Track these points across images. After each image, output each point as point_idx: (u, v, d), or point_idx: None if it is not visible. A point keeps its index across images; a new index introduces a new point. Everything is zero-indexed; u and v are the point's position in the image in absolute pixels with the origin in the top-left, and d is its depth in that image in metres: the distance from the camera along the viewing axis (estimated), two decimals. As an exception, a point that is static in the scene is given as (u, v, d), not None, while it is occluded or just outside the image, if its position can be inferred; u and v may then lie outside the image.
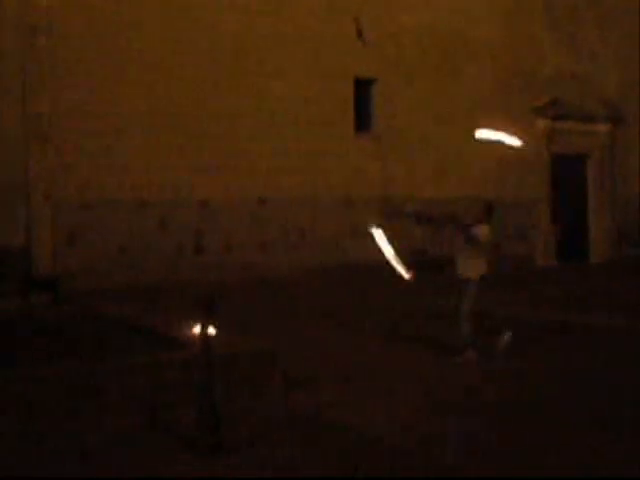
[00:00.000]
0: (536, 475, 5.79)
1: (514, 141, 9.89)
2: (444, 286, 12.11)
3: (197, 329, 6.47)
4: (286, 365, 8.76)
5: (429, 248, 19.09)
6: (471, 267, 10.04)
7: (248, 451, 6.28)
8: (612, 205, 23.36)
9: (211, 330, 6.47)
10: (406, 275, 9.42)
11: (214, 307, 6.48)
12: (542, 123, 21.88)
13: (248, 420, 7.11)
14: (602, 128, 23.29)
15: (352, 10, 18.70)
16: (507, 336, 9.89)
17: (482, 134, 9.85)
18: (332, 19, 18.55)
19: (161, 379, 7.96)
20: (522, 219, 21.46)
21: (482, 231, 10.04)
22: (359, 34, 18.85)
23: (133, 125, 16.25)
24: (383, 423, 7.16)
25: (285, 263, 17.53)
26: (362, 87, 19.28)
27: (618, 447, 6.33)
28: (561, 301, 15.02)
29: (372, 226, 9.37)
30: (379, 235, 9.39)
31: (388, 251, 9.36)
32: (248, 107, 17.48)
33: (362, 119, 19.32)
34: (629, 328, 11.81)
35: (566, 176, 22.53)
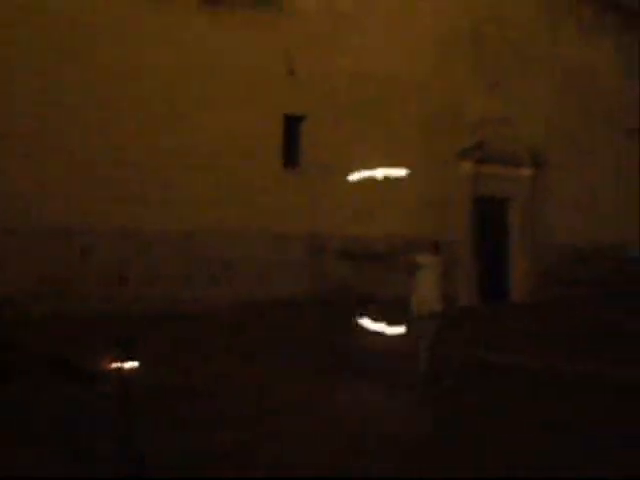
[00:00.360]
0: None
1: (397, 172, 10.13)
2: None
3: (116, 363, 6.41)
4: (208, 400, 8.72)
5: (352, 284, 19.24)
6: (421, 304, 10.25)
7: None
8: (533, 247, 23.91)
9: (131, 364, 6.42)
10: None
11: (133, 341, 6.44)
12: (467, 166, 22.34)
13: (170, 455, 7.03)
14: (525, 172, 23.89)
15: (284, 46, 18.92)
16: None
17: (354, 176, 10.17)
18: (264, 54, 18.71)
19: (81, 411, 7.84)
20: (445, 259, 21.75)
21: (424, 259, 10.33)
22: (290, 71, 19.07)
23: (59, 152, 16.06)
24: (301, 461, 7.17)
25: (210, 297, 17.44)
26: (292, 123, 19.44)
27: None
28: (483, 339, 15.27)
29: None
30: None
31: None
32: (177, 138, 17.45)
33: (291, 155, 19.47)
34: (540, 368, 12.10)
35: (489, 218, 23.00)
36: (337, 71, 19.92)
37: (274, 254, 18.61)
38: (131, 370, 6.38)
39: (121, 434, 6.16)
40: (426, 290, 10.35)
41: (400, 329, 9.97)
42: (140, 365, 7.95)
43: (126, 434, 6.14)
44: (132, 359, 6.44)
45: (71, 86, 16.24)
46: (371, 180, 19.81)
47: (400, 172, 10.02)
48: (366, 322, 10.14)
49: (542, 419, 8.93)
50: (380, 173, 9.91)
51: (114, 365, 6.50)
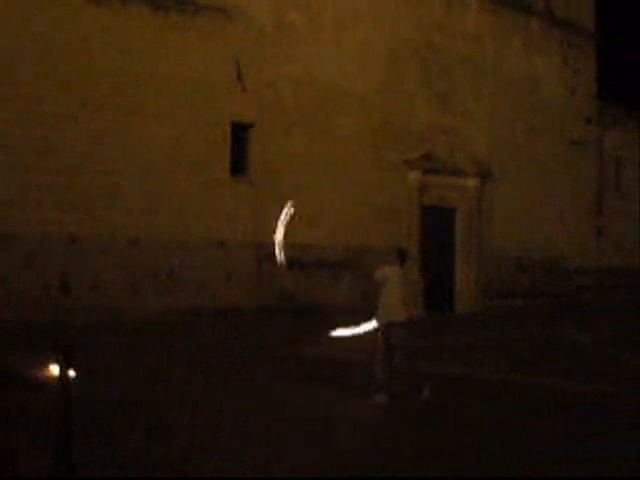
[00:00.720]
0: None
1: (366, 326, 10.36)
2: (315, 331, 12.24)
3: (55, 372, 6.29)
4: (148, 412, 8.61)
5: (299, 293, 19.24)
6: (381, 313, 10.29)
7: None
8: (478, 257, 24.16)
9: (70, 373, 6.31)
10: (280, 260, 9.68)
11: (73, 350, 6.33)
12: (413, 176, 22.50)
13: (108, 469, 6.91)
14: (471, 183, 24.15)
15: (232, 54, 18.88)
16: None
17: (337, 333, 10.39)
18: (212, 62, 18.64)
19: (16, 423, 7.68)
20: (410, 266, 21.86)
21: (380, 272, 10.37)
22: (239, 78, 19.03)
23: (1, 157, 15.78)
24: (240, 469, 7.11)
25: (155, 306, 17.27)
26: (239, 131, 19.38)
27: None
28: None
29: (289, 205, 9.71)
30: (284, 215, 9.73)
31: (279, 236, 9.64)
32: (123, 146, 17.27)
33: (238, 163, 19.39)
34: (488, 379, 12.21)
35: (435, 227, 23.18)
36: (285, 80, 19.94)
37: (220, 262, 18.51)
38: (70, 380, 6.25)
39: (56, 446, 6.03)
40: (394, 299, 10.37)
41: (371, 324, 10.05)
42: (79, 375, 7.84)
43: (61, 446, 6.01)
44: (71, 368, 6.32)
45: (18, 95, 15.99)
46: (318, 190, 19.95)
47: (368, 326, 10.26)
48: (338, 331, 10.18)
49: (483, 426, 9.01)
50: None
51: (52, 374, 6.37)
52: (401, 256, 10.61)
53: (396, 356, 10.23)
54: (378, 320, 10.38)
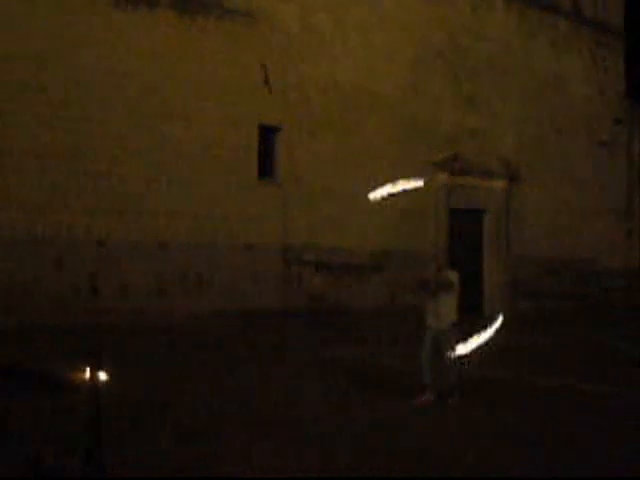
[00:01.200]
0: None
1: (415, 183, 10.09)
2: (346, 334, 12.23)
3: (86, 375, 6.28)
4: (178, 415, 8.59)
5: (327, 295, 19.19)
6: (441, 319, 10.38)
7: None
8: (506, 259, 24.00)
9: (101, 376, 6.29)
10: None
11: (103, 353, 6.31)
12: (441, 177, 22.39)
13: (138, 471, 6.89)
14: (499, 184, 24.01)
15: (258, 57, 18.88)
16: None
17: (376, 194, 10.14)
18: (239, 65, 18.65)
19: (47, 425, 7.68)
20: (420, 271, 21.75)
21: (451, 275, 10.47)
22: (266, 81, 19.03)
23: (31, 161, 15.84)
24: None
25: (182, 309, 17.28)
26: (266, 134, 19.37)
27: None
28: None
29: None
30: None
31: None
32: (150, 150, 17.30)
33: (265, 166, 19.38)
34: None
35: (463, 229, 23.06)
36: (312, 82, 19.91)
37: (248, 266, 18.49)
38: (100, 382, 6.24)
39: (87, 447, 6.02)
40: (446, 304, 10.47)
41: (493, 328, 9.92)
42: (109, 378, 7.84)
43: (92, 447, 6.00)
44: (102, 371, 6.30)
45: (48, 98, 16.08)
46: (346, 192, 19.89)
47: (418, 183, 10.03)
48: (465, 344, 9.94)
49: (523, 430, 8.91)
50: (399, 187, 9.87)
51: (83, 377, 6.36)
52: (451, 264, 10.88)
53: (447, 359, 10.29)
54: (434, 324, 10.44)
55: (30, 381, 9.29)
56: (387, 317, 18.87)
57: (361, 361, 13.82)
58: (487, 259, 23.87)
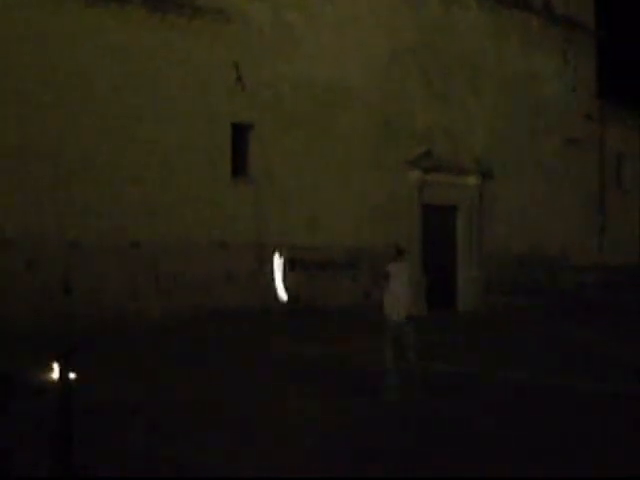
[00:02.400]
0: None
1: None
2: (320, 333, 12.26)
3: (56, 376, 6.27)
4: (149, 414, 8.58)
5: (302, 293, 19.20)
6: (392, 309, 10.37)
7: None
8: (479, 255, 24.15)
9: (71, 376, 6.28)
10: (283, 298, 9.78)
11: (76, 354, 6.30)
12: (414, 175, 22.49)
13: (106, 470, 6.89)
14: (472, 181, 24.15)
15: (231, 55, 18.86)
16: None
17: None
18: (211, 63, 18.62)
19: (16, 426, 7.62)
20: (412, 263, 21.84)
21: (393, 267, 10.44)
22: (238, 79, 19.01)
23: (1, 160, 15.76)
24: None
25: (156, 308, 17.24)
26: (240, 132, 19.36)
27: None
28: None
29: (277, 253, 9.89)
30: (277, 261, 9.92)
31: (278, 275, 9.81)
32: (122, 149, 17.25)
33: (239, 164, 19.37)
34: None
35: (436, 226, 23.17)
36: (285, 80, 19.93)
37: (222, 264, 18.48)
38: (70, 382, 6.23)
39: (56, 447, 6.01)
40: (396, 296, 10.43)
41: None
42: (80, 377, 7.82)
43: (61, 447, 5.99)
44: (72, 371, 6.29)
45: (20, 98, 15.97)
46: (319, 190, 19.94)
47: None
48: None
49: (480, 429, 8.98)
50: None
51: (53, 377, 6.34)
52: (400, 254, 10.75)
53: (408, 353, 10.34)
54: (388, 316, 10.48)
55: None
56: (362, 314, 18.91)
57: (335, 359, 13.85)
58: (460, 255, 24.00)
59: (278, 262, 10.54)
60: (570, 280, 26.88)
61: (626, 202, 30.05)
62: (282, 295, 10.09)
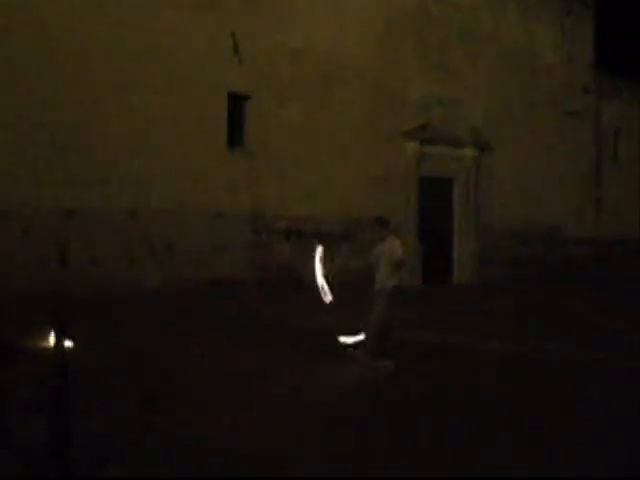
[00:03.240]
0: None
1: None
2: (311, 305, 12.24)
3: (52, 343, 6.29)
4: (144, 382, 8.62)
5: (297, 264, 19.23)
6: (384, 280, 10.43)
7: (99, 471, 6.11)
8: (476, 227, 24.18)
9: (66, 343, 6.30)
10: (327, 298, 9.88)
11: (71, 321, 6.31)
12: (411, 146, 22.45)
13: (102, 439, 6.92)
14: (468, 153, 24.11)
15: (227, 25, 18.74)
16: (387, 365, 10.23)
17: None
18: (208, 32, 18.50)
19: (12, 394, 7.68)
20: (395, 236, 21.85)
21: (396, 245, 10.46)
22: (235, 49, 18.89)
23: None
24: (243, 434, 7.12)
25: (152, 277, 17.26)
26: (236, 103, 19.28)
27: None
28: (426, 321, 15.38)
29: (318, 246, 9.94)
30: (318, 254, 9.96)
31: (319, 271, 9.87)
32: (117, 118, 17.16)
33: (235, 135, 19.32)
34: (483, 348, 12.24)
35: (433, 198, 23.17)
36: (282, 50, 19.81)
37: (218, 234, 18.48)
38: (66, 350, 6.25)
39: (51, 414, 6.04)
40: (380, 268, 10.51)
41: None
42: (76, 345, 7.84)
43: (57, 413, 6.01)
44: (68, 338, 6.31)
45: (13, 66, 15.87)
46: (316, 160, 19.90)
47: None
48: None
49: (480, 397, 9.03)
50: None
51: (49, 344, 6.37)
52: (380, 225, 10.78)
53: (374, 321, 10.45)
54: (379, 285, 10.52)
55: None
56: (360, 285, 18.93)
57: (330, 330, 13.88)
58: (456, 227, 24.03)
59: (319, 254, 10.51)
60: (566, 252, 26.95)
61: (622, 175, 30.04)
62: (327, 295, 10.18)
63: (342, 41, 21.06)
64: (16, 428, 6.99)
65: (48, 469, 5.96)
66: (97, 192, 16.85)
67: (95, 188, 16.82)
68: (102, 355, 10.04)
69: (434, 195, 23.22)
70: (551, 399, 8.98)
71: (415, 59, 22.90)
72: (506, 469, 6.41)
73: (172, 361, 10.52)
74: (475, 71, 24.50)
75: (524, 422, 7.91)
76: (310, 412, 8.16)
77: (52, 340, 6.33)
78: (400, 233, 21.64)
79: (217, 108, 18.83)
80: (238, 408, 8.20)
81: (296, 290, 18.32)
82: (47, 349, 6.39)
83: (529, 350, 12.11)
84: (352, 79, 21.23)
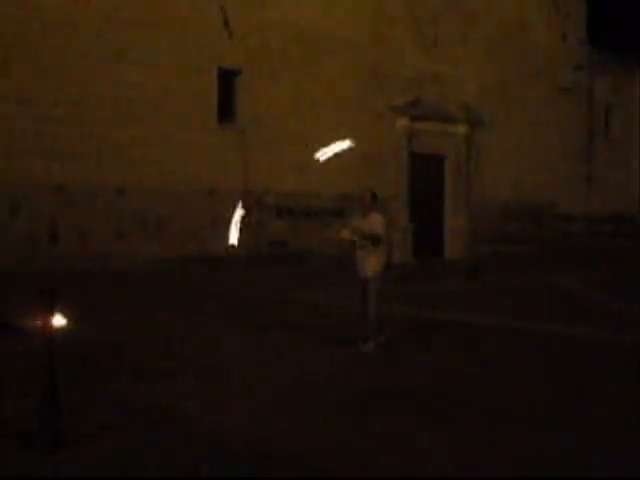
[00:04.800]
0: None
1: (346, 144, 10.09)
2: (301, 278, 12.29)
3: (42, 319, 6.27)
4: (133, 356, 8.62)
5: (288, 240, 19.24)
6: (370, 265, 10.14)
7: (89, 445, 6.12)
8: (467, 204, 24.18)
9: (58, 320, 6.29)
10: (232, 241, 9.50)
11: (58, 296, 6.29)
12: (402, 122, 22.37)
13: (91, 411, 6.93)
14: (460, 129, 24.04)
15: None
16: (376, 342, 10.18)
17: (322, 155, 10.06)
18: (197, 7, 18.35)
19: (1, 369, 7.68)
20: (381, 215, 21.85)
21: (377, 221, 10.23)
22: (225, 24, 18.75)
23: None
24: (238, 414, 7.13)
25: (143, 254, 17.23)
26: (226, 78, 19.17)
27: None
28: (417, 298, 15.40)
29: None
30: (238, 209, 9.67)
31: (236, 219, 9.46)
32: (108, 94, 17.05)
33: (226, 110, 19.22)
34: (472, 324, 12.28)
35: (424, 175, 23.15)
36: (272, 25, 19.68)
37: (209, 210, 18.42)
38: (56, 326, 6.24)
39: (42, 389, 6.04)
40: (364, 251, 10.26)
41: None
42: (67, 321, 7.83)
43: (47, 388, 6.02)
44: (58, 315, 6.30)
45: (3, 41, 15.73)
46: (307, 136, 19.81)
47: (347, 144, 9.96)
48: None
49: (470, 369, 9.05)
50: (337, 147, 9.88)
51: (39, 321, 6.35)
52: (373, 199, 10.55)
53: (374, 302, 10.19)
54: (362, 272, 10.30)
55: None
56: (349, 262, 18.94)
57: (323, 306, 13.91)
58: (448, 204, 24.02)
59: (239, 210, 10.25)
60: (557, 229, 27.01)
61: (614, 152, 30.06)
62: (233, 239, 9.88)
63: (333, 16, 20.91)
64: (6, 400, 7.01)
65: (38, 438, 5.99)
66: (87, 167, 16.77)
67: (85, 162, 16.74)
68: (92, 330, 10.02)
69: (425, 171, 23.18)
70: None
71: (407, 34, 22.76)
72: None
73: (159, 336, 10.52)
74: (468, 47, 24.37)
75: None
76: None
77: (41, 315, 6.31)
78: (391, 209, 21.71)
79: (207, 83, 18.72)
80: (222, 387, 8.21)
81: (287, 265, 18.35)
82: (37, 325, 6.35)
83: (514, 326, 12.16)
84: (343, 54, 21.11)
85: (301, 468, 5.81)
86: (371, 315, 10.16)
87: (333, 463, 5.92)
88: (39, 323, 6.37)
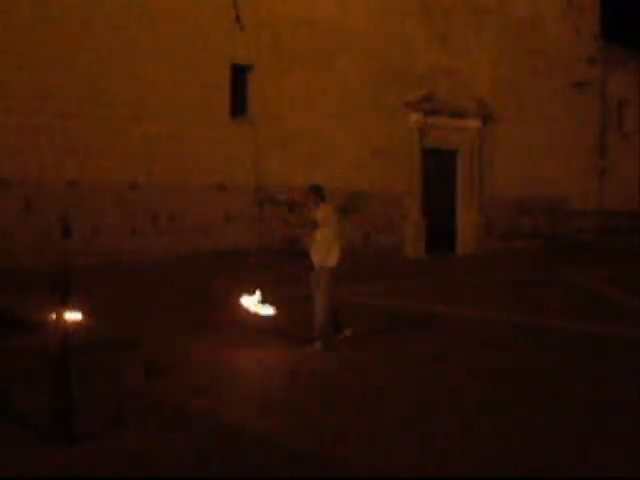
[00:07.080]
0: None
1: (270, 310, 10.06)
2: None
3: (55, 314, 6.28)
4: (147, 352, 8.63)
5: (298, 236, 19.16)
6: (322, 256, 9.80)
7: (103, 439, 6.12)
8: (479, 199, 24.10)
9: (74, 315, 6.31)
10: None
11: (71, 292, 6.29)
12: (414, 117, 22.31)
13: (106, 407, 6.94)
14: (472, 124, 23.96)
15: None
16: (347, 332, 10.04)
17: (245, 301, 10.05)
18: (210, 3, 18.34)
19: (16, 364, 7.70)
20: (392, 210, 21.86)
21: (321, 209, 9.88)
22: (237, 18, 18.71)
23: (-1, 100, 15.63)
24: (246, 407, 7.13)
25: (155, 249, 17.26)
26: (239, 73, 19.16)
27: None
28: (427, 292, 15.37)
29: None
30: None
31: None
32: (120, 89, 17.09)
33: (238, 105, 19.22)
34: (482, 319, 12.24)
35: (437, 169, 23.08)
36: (284, 20, 19.66)
37: (221, 205, 18.46)
38: (69, 320, 6.25)
39: (55, 383, 6.04)
40: (317, 243, 9.89)
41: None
42: (81, 316, 7.85)
43: (60, 383, 6.02)
44: (72, 310, 6.31)
45: (15, 36, 15.75)
46: (318, 131, 19.79)
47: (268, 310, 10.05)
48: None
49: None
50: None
51: (52, 316, 6.36)
52: (316, 193, 10.04)
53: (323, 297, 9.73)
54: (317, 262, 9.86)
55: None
56: (361, 257, 18.94)
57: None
58: (460, 199, 23.95)
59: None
60: (569, 224, 26.90)
61: (627, 146, 29.88)
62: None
63: (345, 10, 20.87)
64: (20, 395, 7.02)
65: (51, 433, 5.99)
66: (99, 162, 16.81)
67: (97, 158, 16.78)
68: (105, 324, 10.02)
69: (438, 167, 23.12)
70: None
71: (419, 29, 22.68)
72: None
73: (173, 330, 10.52)
74: (480, 42, 24.27)
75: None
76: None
77: (55, 309, 6.32)
78: (403, 205, 21.67)
79: (220, 78, 18.73)
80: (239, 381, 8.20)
81: (297, 261, 18.30)
82: (50, 320, 6.36)
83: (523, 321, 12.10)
84: (355, 49, 21.06)
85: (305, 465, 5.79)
86: (317, 312, 9.70)
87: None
88: (53, 318, 6.39)
